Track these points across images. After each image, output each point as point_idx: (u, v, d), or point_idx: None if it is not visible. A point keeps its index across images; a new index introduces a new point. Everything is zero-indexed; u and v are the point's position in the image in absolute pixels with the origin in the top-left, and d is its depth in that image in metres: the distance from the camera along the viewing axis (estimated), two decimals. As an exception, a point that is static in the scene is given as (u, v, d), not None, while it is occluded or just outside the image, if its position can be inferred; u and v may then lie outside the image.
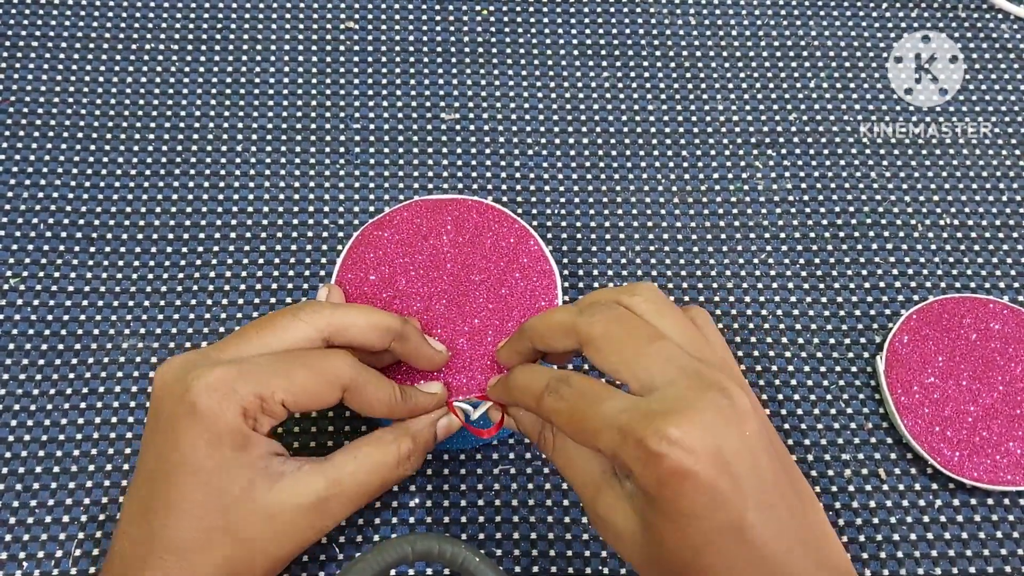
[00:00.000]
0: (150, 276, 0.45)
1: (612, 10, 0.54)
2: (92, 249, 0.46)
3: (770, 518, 0.28)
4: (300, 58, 0.51)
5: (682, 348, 0.30)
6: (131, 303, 0.44)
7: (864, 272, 0.47)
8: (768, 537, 0.28)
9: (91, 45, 0.51)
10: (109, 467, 0.41)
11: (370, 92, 0.51)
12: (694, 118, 0.51)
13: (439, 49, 0.52)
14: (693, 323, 0.32)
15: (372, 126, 0.50)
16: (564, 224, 0.47)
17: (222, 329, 0.44)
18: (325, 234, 0.47)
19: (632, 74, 0.52)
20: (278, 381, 0.32)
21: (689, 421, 0.27)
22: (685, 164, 0.49)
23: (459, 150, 0.49)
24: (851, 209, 0.49)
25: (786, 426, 0.43)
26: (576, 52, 0.52)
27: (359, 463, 0.34)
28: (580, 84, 0.51)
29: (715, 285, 0.46)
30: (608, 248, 0.47)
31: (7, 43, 0.51)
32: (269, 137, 0.49)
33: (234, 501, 0.32)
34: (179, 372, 0.32)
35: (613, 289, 0.34)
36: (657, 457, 0.27)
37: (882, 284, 0.47)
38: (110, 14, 0.52)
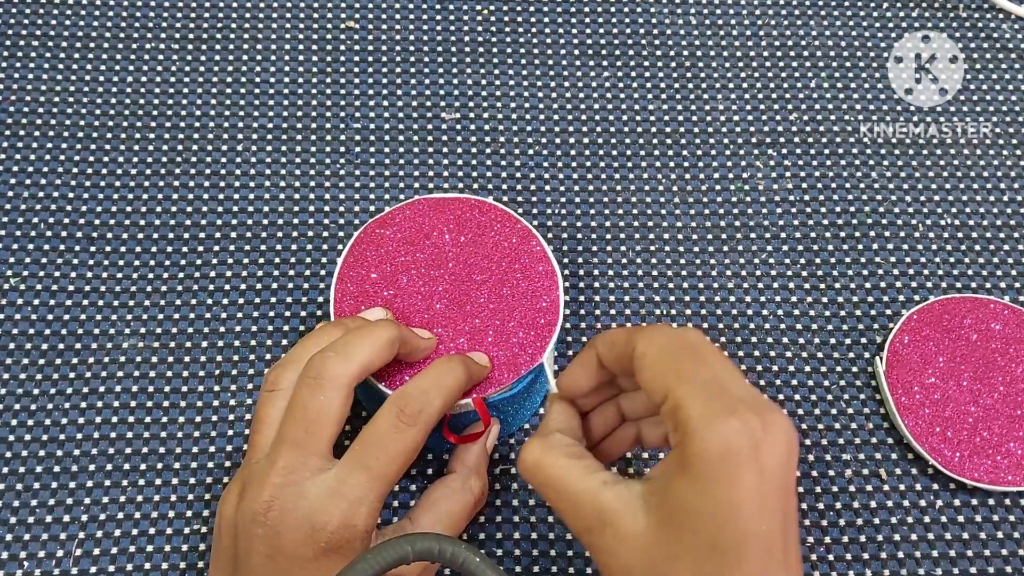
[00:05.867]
0: (150, 276, 0.45)
1: (612, 10, 0.54)
2: (92, 249, 0.46)
3: (787, 544, 0.28)
4: (300, 58, 0.51)
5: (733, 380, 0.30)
6: (131, 303, 0.44)
7: (864, 272, 0.47)
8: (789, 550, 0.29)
9: (91, 45, 0.51)
10: (109, 467, 0.41)
11: (370, 92, 0.50)
12: (694, 118, 0.51)
13: (439, 49, 0.52)
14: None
15: (372, 126, 0.50)
16: (564, 224, 0.47)
17: (222, 328, 0.44)
18: (325, 234, 0.47)
19: (632, 74, 0.52)
20: (382, 487, 0.33)
21: (769, 423, 0.28)
22: (685, 164, 0.49)
23: (459, 149, 0.49)
24: (851, 209, 0.49)
25: (786, 426, 0.43)
26: (576, 52, 0.52)
27: (445, 525, 0.36)
28: (580, 84, 0.51)
29: (715, 285, 0.46)
30: (608, 248, 0.47)
31: (7, 43, 0.51)
32: (269, 137, 0.49)
33: None
34: (293, 505, 0.32)
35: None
36: (747, 420, 0.27)
37: (882, 284, 0.47)
38: (110, 14, 0.52)
